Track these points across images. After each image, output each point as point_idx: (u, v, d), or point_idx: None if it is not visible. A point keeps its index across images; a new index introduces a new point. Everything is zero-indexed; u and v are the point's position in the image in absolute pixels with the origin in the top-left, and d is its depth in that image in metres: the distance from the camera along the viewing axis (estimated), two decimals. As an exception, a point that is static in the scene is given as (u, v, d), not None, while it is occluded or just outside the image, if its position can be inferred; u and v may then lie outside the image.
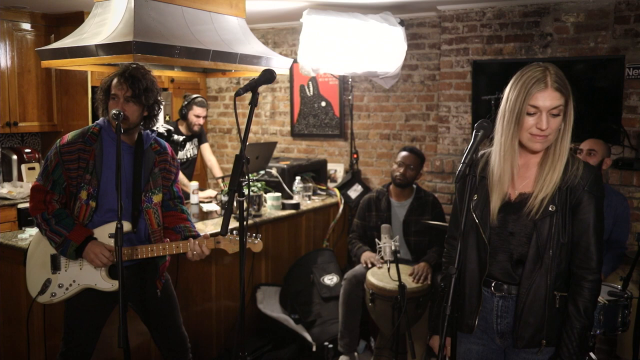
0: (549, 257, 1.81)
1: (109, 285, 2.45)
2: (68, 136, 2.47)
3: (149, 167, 2.53)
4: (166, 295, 2.68)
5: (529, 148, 1.84)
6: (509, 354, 1.94)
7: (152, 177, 2.53)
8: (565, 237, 1.82)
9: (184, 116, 4.39)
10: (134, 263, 2.54)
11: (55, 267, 2.47)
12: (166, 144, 2.65)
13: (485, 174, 1.92)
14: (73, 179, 2.41)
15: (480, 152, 1.97)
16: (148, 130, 2.59)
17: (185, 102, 4.39)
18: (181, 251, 2.48)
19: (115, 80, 2.43)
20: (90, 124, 4.66)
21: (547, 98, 1.76)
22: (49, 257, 2.49)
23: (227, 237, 2.51)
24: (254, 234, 2.56)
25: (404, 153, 3.83)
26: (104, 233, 2.43)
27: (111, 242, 2.39)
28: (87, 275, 2.46)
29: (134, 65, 2.48)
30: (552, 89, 1.76)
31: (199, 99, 4.39)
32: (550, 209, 1.81)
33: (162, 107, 2.57)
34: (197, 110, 4.36)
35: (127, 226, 2.44)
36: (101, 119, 2.53)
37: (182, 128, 4.44)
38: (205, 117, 4.41)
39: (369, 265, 3.61)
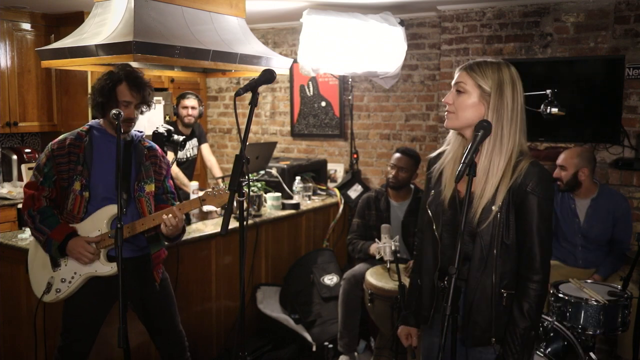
0: (493, 257, 1.81)
1: (109, 268, 2.47)
2: (59, 137, 2.55)
3: (139, 158, 2.59)
4: (164, 294, 2.69)
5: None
6: (471, 352, 1.95)
7: (144, 168, 2.58)
8: (509, 237, 1.81)
9: (176, 113, 4.44)
10: (130, 257, 2.55)
11: (55, 264, 2.50)
12: (155, 145, 2.71)
13: (443, 170, 1.96)
14: (64, 172, 2.46)
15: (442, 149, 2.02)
16: (136, 131, 2.66)
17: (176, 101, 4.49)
18: (158, 222, 2.49)
19: (123, 86, 2.47)
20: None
21: (455, 75, 1.87)
22: (48, 257, 2.51)
23: (212, 193, 2.51)
24: (218, 186, 2.57)
25: (396, 155, 3.82)
26: (100, 216, 2.47)
27: (95, 232, 2.46)
28: (86, 265, 2.47)
29: (130, 69, 2.53)
30: (461, 69, 1.86)
31: (186, 93, 4.45)
32: (492, 208, 1.79)
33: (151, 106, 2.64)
34: (183, 102, 4.40)
35: (116, 209, 2.45)
36: (93, 121, 2.59)
37: (181, 127, 4.44)
38: (195, 109, 4.41)
39: (382, 254, 3.55)
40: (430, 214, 1.95)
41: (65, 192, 2.49)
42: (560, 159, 3.49)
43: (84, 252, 2.42)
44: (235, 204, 1.93)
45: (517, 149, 1.82)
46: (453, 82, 1.88)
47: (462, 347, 1.95)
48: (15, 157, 4.68)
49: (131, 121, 2.51)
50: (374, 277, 3.43)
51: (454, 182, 1.81)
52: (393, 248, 3.18)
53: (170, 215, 2.46)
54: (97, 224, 2.47)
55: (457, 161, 1.90)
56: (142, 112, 2.58)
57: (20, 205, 4.31)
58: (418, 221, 2.16)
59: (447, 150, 1.98)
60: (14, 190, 4.48)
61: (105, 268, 2.47)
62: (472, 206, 1.83)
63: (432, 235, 1.95)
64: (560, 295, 2.87)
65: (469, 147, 1.74)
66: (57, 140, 2.53)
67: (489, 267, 1.82)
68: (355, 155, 5.05)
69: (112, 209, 2.47)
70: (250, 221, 3.81)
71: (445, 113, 1.89)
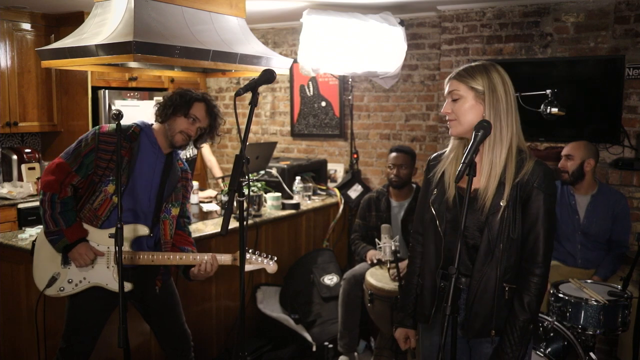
0: (499, 251, 1.87)
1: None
2: (108, 127, 2.48)
3: (174, 180, 2.59)
4: (168, 292, 2.69)
5: None
6: (473, 344, 1.98)
7: (175, 191, 2.60)
8: (515, 232, 1.87)
9: None
10: (131, 265, 2.53)
11: (66, 261, 2.46)
12: (188, 167, 2.72)
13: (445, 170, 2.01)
14: (101, 168, 2.42)
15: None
16: (177, 150, 2.65)
17: None
18: (184, 262, 2.51)
19: (201, 105, 2.52)
20: (90, 123, 4.69)
21: (446, 86, 1.93)
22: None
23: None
24: (269, 255, 2.61)
25: (393, 154, 3.84)
26: (127, 234, 2.42)
27: (109, 243, 2.41)
28: (98, 274, 2.46)
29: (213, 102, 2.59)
30: (451, 78, 1.92)
31: None
32: (501, 204, 1.86)
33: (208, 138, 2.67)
34: None
35: (143, 230, 2.48)
36: (142, 121, 2.57)
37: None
38: None
39: (375, 261, 3.61)
40: (434, 211, 1.99)
41: (93, 187, 2.44)
42: (567, 149, 3.52)
43: (84, 255, 2.40)
44: (235, 204, 1.93)
45: (515, 140, 1.88)
46: (445, 92, 1.93)
47: (465, 343, 1.96)
48: (15, 157, 4.68)
49: (188, 137, 2.51)
50: (374, 278, 3.43)
51: (455, 182, 1.85)
52: (393, 248, 3.18)
53: (209, 261, 2.49)
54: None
55: (459, 160, 1.93)
56: (202, 141, 2.60)
57: (20, 206, 4.31)
58: (414, 223, 2.19)
59: (447, 150, 2.02)
60: (14, 190, 4.47)
61: (116, 285, 2.43)
62: (479, 200, 1.88)
63: (436, 232, 1.98)
64: (560, 295, 2.87)
65: (469, 147, 1.75)
66: (106, 130, 2.44)
67: (494, 260, 1.87)
68: (355, 155, 5.05)
69: (140, 230, 2.47)
70: (250, 221, 3.81)
71: (448, 122, 1.94)
